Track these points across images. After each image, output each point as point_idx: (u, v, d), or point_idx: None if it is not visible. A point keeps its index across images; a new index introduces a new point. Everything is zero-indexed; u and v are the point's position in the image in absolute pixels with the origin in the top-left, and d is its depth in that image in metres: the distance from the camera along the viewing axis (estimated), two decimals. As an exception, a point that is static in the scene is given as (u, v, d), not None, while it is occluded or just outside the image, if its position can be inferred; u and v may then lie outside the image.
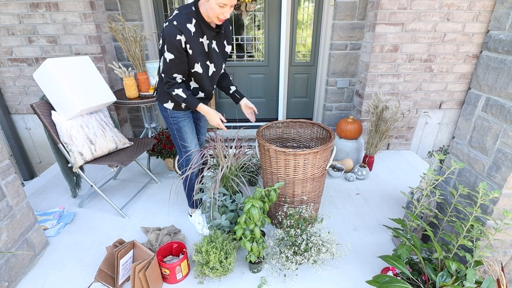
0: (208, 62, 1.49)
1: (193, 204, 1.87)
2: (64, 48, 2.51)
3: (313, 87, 3.13)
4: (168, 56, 1.35)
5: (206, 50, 1.45)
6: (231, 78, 1.77)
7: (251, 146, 1.95)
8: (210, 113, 1.53)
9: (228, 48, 1.58)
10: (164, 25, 1.34)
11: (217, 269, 1.45)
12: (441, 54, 2.59)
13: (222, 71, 1.68)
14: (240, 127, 3.07)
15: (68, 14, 2.38)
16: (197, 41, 1.39)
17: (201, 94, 1.61)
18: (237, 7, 2.71)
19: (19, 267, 1.53)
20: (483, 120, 1.35)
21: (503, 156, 1.24)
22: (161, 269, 1.48)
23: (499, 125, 1.26)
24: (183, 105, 1.58)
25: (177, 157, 1.86)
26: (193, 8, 1.36)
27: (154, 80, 2.52)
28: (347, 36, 2.69)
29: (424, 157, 3.08)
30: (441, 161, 2.39)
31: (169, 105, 1.57)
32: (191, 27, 1.34)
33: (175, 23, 1.30)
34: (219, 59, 1.53)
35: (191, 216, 1.92)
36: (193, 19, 1.35)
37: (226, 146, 1.84)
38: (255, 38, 2.93)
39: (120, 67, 2.39)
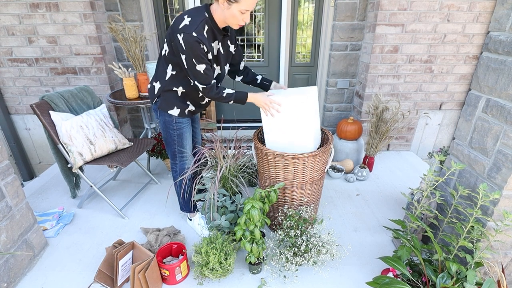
0: (215, 65, 1.50)
1: (191, 208, 1.85)
2: (64, 49, 2.51)
3: (313, 87, 3.13)
4: (201, 67, 1.35)
5: (215, 53, 1.46)
6: (253, 70, 1.77)
7: (250, 146, 1.95)
8: (260, 98, 1.55)
9: (232, 48, 1.58)
10: (181, 36, 1.29)
11: (217, 270, 1.44)
12: (441, 55, 2.58)
13: (243, 66, 1.71)
14: (238, 127, 3.06)
15: (68, 14, 2.38)
16: (211, 46, 1.39)
17: (208, 101, 1.63)
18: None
19: (18, 268, 1.53)
20: (484, 121, 1.35)
21: (503, 157, 1.24)
22: (160, 270, 1.48)
23: (500, 126, 1.26)
24: (186, 111, 1.57)
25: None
26: (206, 14, 1.34)
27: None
28: (347, 37, 2.69)
29: (424, 158, 3.08)
30: (441, 162, 2.39)
31: (175, 111, 1.54)
32: (205, 33, 1.33)
33: (194, 34, 1.27)
34: (224, 61, 1.55)
35: (190, 220, 1.91)
36: (206, 25, 1.33)
37: (225, 147, 1.83)
38: (255, 38, 2.93)
39: (120, 68, 2.39)
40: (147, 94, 2.43)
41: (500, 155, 1.25)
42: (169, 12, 2.77)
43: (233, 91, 1.51)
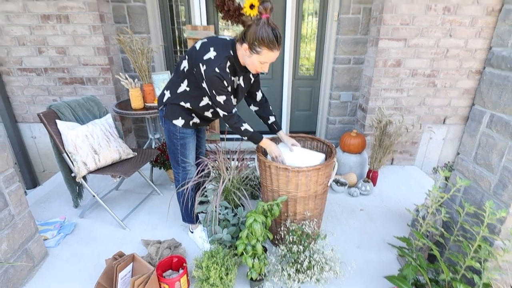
0: (232, 97, 1.54)
1: (193, 219, 1.84)
2: (73, 59, 2.56)
3: (316, 100, 3.15)
4: (221, 98, 1.40)
5: (235, 87, 1.51)
6: (270, 108, 1.82)
7: (253, 158, 1.94)
8: (272, 148, 1.63)
9: (253, 79, 1.62)
10: (203, 67, 1.33)
11: (217, 286, 1.42)
12: (444, 70, 2.60)
13: (260, 96, 1.75)
14: (242, 139, 3.07)
15: (78, 26, 2.45)
16: (231, 81, 1.44)
17: (214, 117, 1.67)
18: (241, 20, 2.76)
19: (17, 278, 1.51)
20: (488, 137, 1.34)
21: (509, 174, 1.22)
22: (160, 285, 1.45)
23: (504, 142, 1.25)
24: (191, 122, 1.59)
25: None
26: (231, 52, 1.37)
27: (159, 91, 2.55)
28: (350, 50, 2.72)
29: (429, 172, 3.04)
30: (447, 178, 2.36)
31: (179, 122, 1.56)
32: (228, 69, 1.38)
33: (217, 70, 1.31)
34: (242, 93, 1.59)
35: (192, 232, 1.89)
36: (229, 62, 1.37)
37: (228, 159, 1.83)
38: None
39: (126, 78, 2.43)
40: (152, 104, 2.46)
41: (506, 172, 1.24)
42: (175, 25, 2.84)
43: (252, 130, 1.56)
